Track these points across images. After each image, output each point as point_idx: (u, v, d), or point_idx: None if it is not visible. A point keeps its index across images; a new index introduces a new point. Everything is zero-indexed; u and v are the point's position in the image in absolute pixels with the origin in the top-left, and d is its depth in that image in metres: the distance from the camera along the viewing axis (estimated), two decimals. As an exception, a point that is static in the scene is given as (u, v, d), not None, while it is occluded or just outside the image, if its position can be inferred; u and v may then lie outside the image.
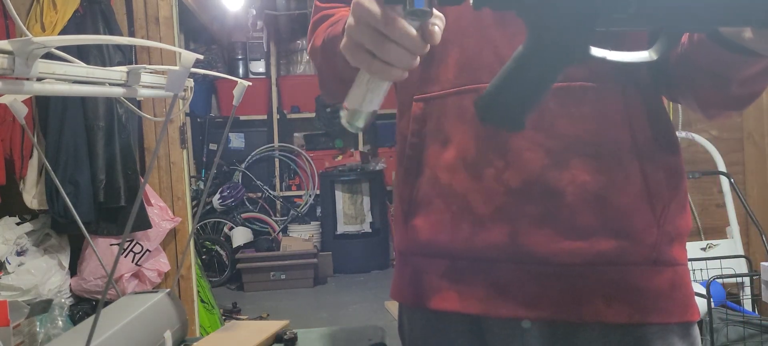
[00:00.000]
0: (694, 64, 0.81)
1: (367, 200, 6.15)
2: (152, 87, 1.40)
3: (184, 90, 1.74)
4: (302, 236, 5.93)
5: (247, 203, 6.35)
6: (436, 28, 0.66)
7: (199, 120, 6.28)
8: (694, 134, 3.12)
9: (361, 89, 0.69)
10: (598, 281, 0.85)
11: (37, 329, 2.57)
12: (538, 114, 0.84)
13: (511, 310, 0.87)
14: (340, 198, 6.12)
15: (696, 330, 0.90)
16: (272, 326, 1.53)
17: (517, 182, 0.85)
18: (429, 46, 0.66)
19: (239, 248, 5.64)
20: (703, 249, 2.95)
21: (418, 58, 0.67)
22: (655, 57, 0.66)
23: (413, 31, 0.65)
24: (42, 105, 2.83)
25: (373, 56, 0.66)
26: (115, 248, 2.91)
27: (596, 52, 0.63)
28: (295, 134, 6.81)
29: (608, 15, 0.59)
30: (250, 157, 6.53)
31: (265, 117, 6.67)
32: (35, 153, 2.86)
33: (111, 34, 2.86)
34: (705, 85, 0.82)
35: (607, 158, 0.84)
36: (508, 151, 0.85)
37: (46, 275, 2.77)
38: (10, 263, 2.71)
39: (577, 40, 0.62)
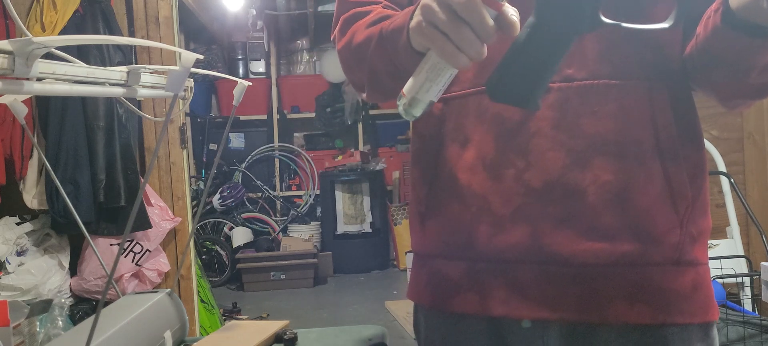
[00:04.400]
0: (710, 55, 0.81)
1: (367, 200, 6.15)
2: (152, 87, 1.39)
3: (184, 90, 1.74)
4: (302, 236, 5.93)
5: (247, 203, 6.35)
6: (513, 17, 0.65)
7: (199, 120, 6.28)
8: (694, 134, 3.11)
9: (422, 77, 0.69)
10: (619, 282, 0.84)
11: (37, 329, 2.57)
12: (561, 113, 0.83)
13: (532, 312, 0.86)
14: (340, 198, 6.12)
15: (714, 331, 0.90)
16: (272, 326, 1.53)
17: (537, 183, 0.84)
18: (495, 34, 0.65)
19: (239, 248, 5.64)
20: (703, 249, 2.93)
21: (486, 49, 0.66)
22: (667, 25, 0.64)
23: (490, 20, 0.64)
24: (42, 105, 2.84)
25: (446, 38, 0.66)
26: (115, 248, 2.91)
27: (608, 19, 0.61)
28: (295, 134, 6.81)
29: None
30: (250, 157, 6.53)
31: (265, 117, 6.67)
32: (35, 153, 2.86)
33: (111, 34, 2.86)
34: (723, 76, 0.82)
35: (630, 158, 0.83)
36: (529, 151, 0.84)
37: (46, 275, 2.77)
38: (10, 263, 2.71)
39: (586, 6, 0.60)
